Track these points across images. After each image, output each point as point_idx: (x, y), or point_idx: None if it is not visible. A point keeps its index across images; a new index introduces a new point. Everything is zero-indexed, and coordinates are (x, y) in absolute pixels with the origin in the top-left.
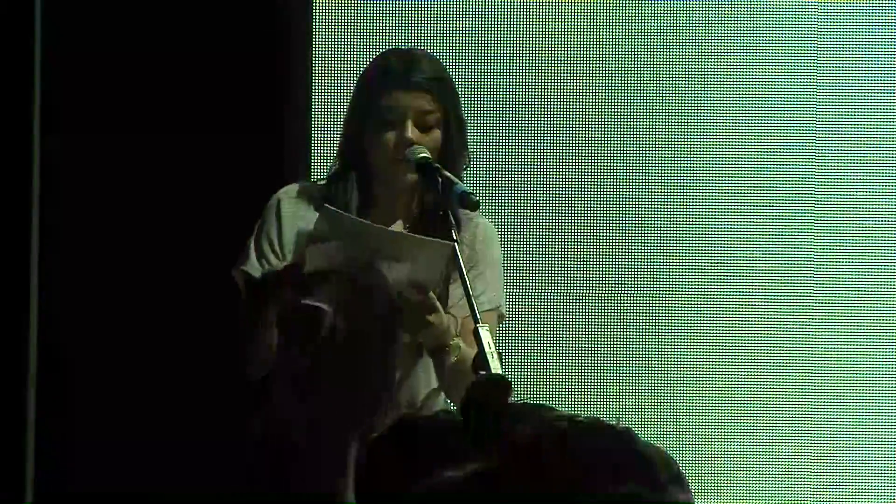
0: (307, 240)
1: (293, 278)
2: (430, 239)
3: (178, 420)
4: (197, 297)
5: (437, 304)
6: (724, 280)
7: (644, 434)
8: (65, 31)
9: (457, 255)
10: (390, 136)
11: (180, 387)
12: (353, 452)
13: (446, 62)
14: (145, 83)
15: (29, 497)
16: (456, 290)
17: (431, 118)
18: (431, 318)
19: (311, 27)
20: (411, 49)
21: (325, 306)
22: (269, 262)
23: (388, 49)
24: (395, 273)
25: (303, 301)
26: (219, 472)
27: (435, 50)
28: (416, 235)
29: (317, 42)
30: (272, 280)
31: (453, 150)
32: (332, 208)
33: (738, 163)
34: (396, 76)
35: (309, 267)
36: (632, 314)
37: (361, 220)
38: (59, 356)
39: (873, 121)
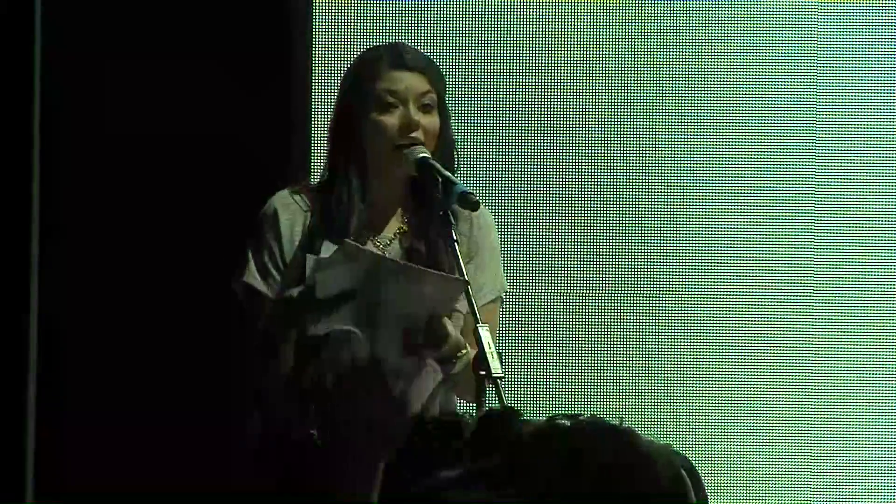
0: (319, 264)
1: (310, 303)
2: (446, 275)
3: (178, 420)
4: (197, 296)
5: (450, 327)
6: (724, 280)
7: (644, 434)
8: (65, 31)
9: (456, 253)
10: (393, 118)
11: (181, 387)
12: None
13: (446, 62)
14: (145, 83)
15: (29, 497)
16: (450, 329)
17: (429, 99)
18: (446, 341)
19: (311, 27)
20: (395, 41)
21: (355, 329)
22: (270, 275)
23: (372, 46)
24: (409, 304)
25: (333, 328)
26: (219, 472)
27: (435, 50)
28: (433, 271)
29: (317, 42)
30: (287, 305)
31: (449, 135)
32: (352, 243)
33: (738, 163)
34: (391, 60)
35: (322, 292)
36: (632, 314)
37: (380, 254)
38: (59, 356)
39: (873, 121)
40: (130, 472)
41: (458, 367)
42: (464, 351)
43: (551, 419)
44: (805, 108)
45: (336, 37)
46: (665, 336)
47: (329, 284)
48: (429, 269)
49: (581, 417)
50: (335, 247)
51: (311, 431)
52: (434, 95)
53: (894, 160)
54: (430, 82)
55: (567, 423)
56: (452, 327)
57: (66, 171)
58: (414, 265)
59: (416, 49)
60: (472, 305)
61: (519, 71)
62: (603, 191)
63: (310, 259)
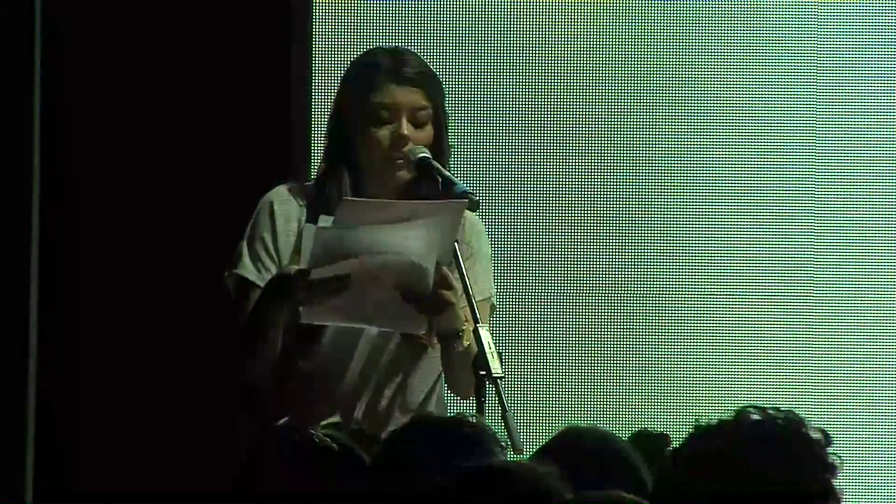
0: (320, 241)
1: (303, 283)
2: (444, 201)
3: (178, 420)
4: (197, 296)
5: (453, 279)
6: (724, 280)
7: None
8: (65, 31)
9: (457, 253)
10: (384, 133)
11: (180, 387)
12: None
13: (446, 62)
14: (145, 84)
15: (29, 497)
16: (455, 283)
17: (424, 114)
18: (449, 293)
19: (311, 27)
20: (397, 46)
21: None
22: (264, 266)
23: (374, 47)
24: (414, 243)
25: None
26: (219, 471)
27: (435, 50)
28: (430, 201)
29: (317, 42)
30: (282, 285)
31: (443, 147)
32: (352, 198)
33: (738, 163)
34: (388, 71)
35: (318, 272)
36: (632, 314)
37: (378, 199)
38: (59, 356)
39: (873, 121)
40: (130, 472)
41: (462, 343)
42: (465, 326)
43: (742, 412)
44: (805, 108)
45: (336, 37)
46: (665, 336)
47: (325, 261)
48: (427, 201)
49: (770, 412)
50: (331, 218)
51: (311, 431)
52: (429, 110)
53: (894, 160)
54: (426, 97)
55: (758, 416)
56: (455, 283)
57: (66, 171)
58: (411, 202)
59: (417, 57)
60: (472, 305)
61: (519, 71)
62: (603, 191)
63: (308, 229)
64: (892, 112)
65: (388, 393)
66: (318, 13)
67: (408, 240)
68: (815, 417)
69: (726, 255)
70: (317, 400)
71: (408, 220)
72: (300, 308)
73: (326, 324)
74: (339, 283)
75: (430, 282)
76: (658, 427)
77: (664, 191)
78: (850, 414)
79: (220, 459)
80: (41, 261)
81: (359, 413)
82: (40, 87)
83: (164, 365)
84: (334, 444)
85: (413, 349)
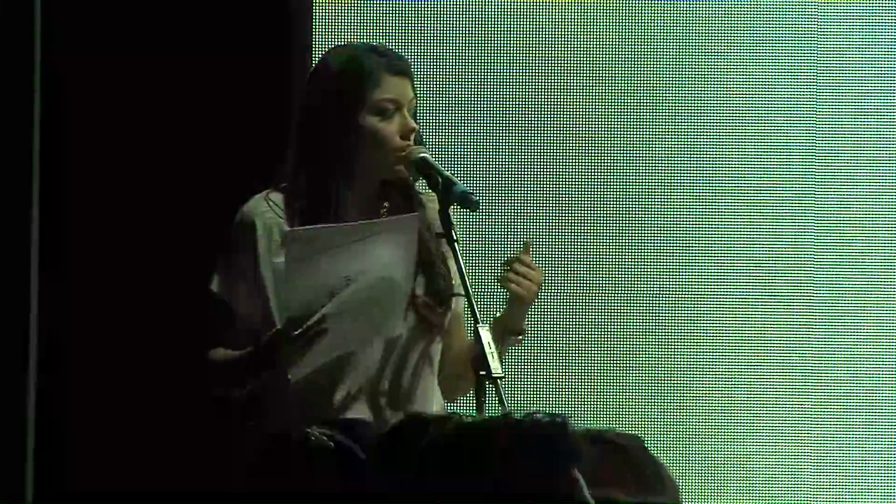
0: (288, 279)
1: (284, 343)
2: (396, 217)
3: (177, 419)
4: (197, 298)
5: (528, 269)
6: (724, 280)
7: (644, 435)
8: (65, 31)
9: (456, 252)
10: (392, 125)
11: (180, 387)
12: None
13: (446, 62)
14: (145, 85)
15: (29, 497)
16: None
17: (413, 104)
18: (530, 283)
19: (311, 27)
20: (369, 43)
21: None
22: (245, 296)
23: (336, 46)
24: (375, 262)
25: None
26: (219, 471)
27: (435, 50)
28: (382, 219)
29: (317, 42)
30: (267, 352)
31: (421, 137)
32: (297, 229)
33: (738, 163)
34: (384, 66)
35: (292, 319)
36: (632, 314)
37: (326, 226)
38: (59, 356)
39: (873, 121)
40: (130, 472)
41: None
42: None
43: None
44: (805, 108)
45: (336, 37)
46: (665, 336)
47: (297, 302)
48: (379, 220)
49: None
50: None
51: (308, 430)
52: (415, 100)
53: (894, 160)
54: (413, 87)
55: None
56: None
57: (66, 172)
58: (364, 222)
59: (395, 51)
60: (472, 305)
61: (519, 71)
62: (603, 191)
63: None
64: (892, 112)
65: (386, 391)
66: (318, 13)
67: (371, 258)
68: (816, 417)
69: (726, 256)
70: (314, 399)
71: (362, 239)
72: (288, 375)
73: (314, 369)
74: (319, 328)
75: (403, 296)
76: (658, 428)
77: (664, 191)
78: (849, 414)
79: (219, 459)
80: (41, 261)
81: (358, 412)
82: (40, 87)
83: (164, 365)
84: (331, 443)
85: (411, 347)
